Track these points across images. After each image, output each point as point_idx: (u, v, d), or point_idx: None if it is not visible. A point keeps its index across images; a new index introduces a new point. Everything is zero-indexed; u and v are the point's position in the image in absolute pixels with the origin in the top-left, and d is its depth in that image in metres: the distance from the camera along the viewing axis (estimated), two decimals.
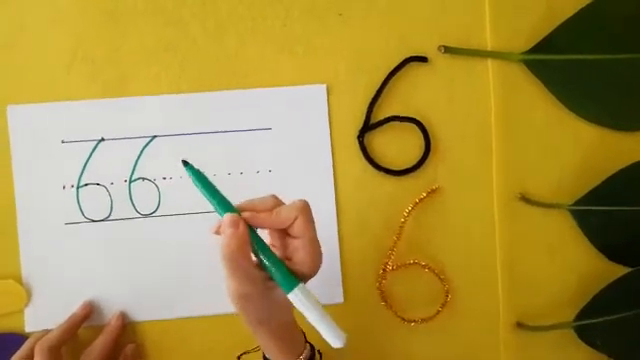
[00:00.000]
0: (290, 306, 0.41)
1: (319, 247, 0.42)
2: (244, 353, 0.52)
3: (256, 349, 0.49)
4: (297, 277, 0.40)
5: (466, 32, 0.56)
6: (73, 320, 0.52)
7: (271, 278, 0.41)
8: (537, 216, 0.57)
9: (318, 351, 0.49)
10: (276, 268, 0.40)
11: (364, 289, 0.56)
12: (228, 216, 0.40)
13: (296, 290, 0.40)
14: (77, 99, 0.53)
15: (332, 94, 0.56)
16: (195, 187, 0.41)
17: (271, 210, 0.42)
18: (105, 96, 0.54)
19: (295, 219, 0.41)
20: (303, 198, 0.42)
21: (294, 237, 0.42)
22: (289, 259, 0.42)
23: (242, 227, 0.40)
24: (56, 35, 0.53)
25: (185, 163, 0.42)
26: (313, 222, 0.42)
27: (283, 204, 0.43)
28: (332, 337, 0.40)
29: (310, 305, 0.40)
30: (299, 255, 0.41)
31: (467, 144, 0.57)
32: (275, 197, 0.43)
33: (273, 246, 0.43)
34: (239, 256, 0.39)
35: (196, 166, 0.42)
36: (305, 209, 0.42)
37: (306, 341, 0.47)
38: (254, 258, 0.41)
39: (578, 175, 0.57)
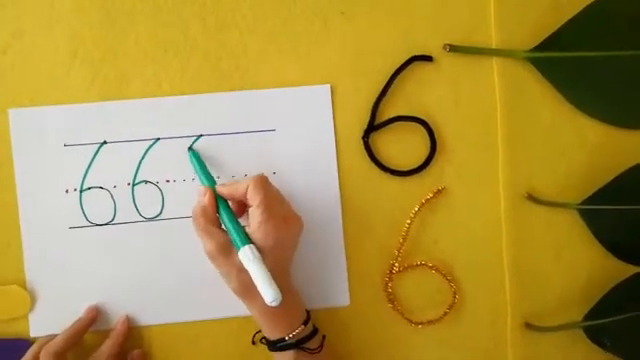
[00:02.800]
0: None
1: (273, 218, 0.46)
2: (257, 332, 0.53)
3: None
4: (254, 243, 0.45)
5: (471, 30, 0.56)
6: (78, 325, 0.51)
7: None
8: (544, 215, 0.57)
9: (323, 335, 0.50)
10: (232, 229, 0.46)
11: (370, 291, 0.56)
12: (199, 188, 0.49)
13: (245, 249, 0.44)
14: (78, 101, 0.53)
15: (336, 94, 0.55)
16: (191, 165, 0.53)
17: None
18: (106, 97, 0.53)
19: (247, 189, 0.46)
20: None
21: (249, 206, 0.47)
22: (248, 226, 0.47)
23: (207, 196, 0.48)
24: (55, 37, 0.53)
25: (190, 149, 0.53)
26: (265, 193, 0.46)
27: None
28: (267, 296, 0.43)
29: (254, 265, 0.44)
30: (252, 222, 0.46)
31: (473, 143, 0.56)
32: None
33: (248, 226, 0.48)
34: (201, 217, 0.47)
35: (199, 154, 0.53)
36: (256, 180, 0.47)
37: (305, 323, 0.48)
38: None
39: (585, 174, 0.56)
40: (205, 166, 0.52)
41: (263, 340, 0.50)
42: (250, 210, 0.47)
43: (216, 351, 0.54)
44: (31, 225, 0.52)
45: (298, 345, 0.48)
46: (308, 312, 0.50)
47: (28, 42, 0.53)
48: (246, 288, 0.46)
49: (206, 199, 0.48)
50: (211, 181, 0.51)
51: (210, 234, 0.46)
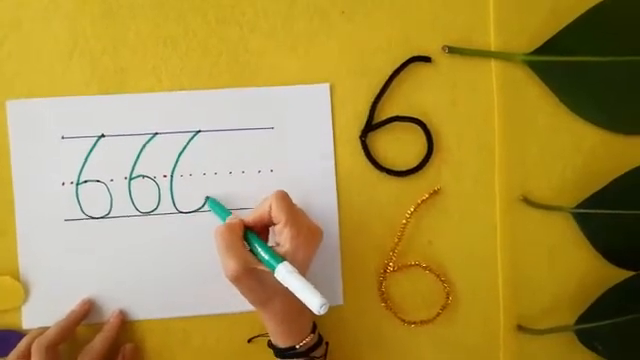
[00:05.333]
0: (288, 291, 0.43)
1: (302, 232, 0.46)
2: (255, 337, 0.54)
3: (266, 334, 0.50)
4: (286, 258, 0.44)
5: (470, 32, 0.56)
6: (71, 318, 0.51)
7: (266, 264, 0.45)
8: (539, 218, 0.57)
9: (326, 343, 0.51)
10: (266, 250, 0.45)
11: (364, 290, 0.56)
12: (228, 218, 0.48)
13: (284, 264, 0.43)
14: (76, 93, 0.53)
15: (335, 93, 0.55)
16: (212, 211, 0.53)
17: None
18: (104, 91, 0.53)
19: (270, 208, 0.46)
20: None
21: (275, 224, 0.46)
22: (278, 244, 0.46)
23: (236, 219, 0.47)
24: (54, 28, 0.53)
25: (207, 198, 0.53)
26: (288, 207, 0.46)
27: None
28: (315, 304, 0.41)
29: (294, 279, 0.42)
30: (282, 238, 0.46)
31: (470, 145, 0.56)
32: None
33: (277, 244, 0.46)
34: (228, 233, 0.45)
35: (214, 197, 0.53)
36: (277, 196, 0.46)
37: (312, 332, 0.49)
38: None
39: (580, 178, 0.57)
40: (223, 206, 0.52)
41: (270, 345, 0.50)
42: (277, 228, 0.46)
43: (209, 347, 0.54)
44: (27, 217, 0.52)
45: (307, 354, 0.48)
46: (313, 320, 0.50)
47: (26, 33, 0.53)
48: (267, 301, 0.46)
49: (235, 220, 0.47)
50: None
51: (237, 251, 0.44)
